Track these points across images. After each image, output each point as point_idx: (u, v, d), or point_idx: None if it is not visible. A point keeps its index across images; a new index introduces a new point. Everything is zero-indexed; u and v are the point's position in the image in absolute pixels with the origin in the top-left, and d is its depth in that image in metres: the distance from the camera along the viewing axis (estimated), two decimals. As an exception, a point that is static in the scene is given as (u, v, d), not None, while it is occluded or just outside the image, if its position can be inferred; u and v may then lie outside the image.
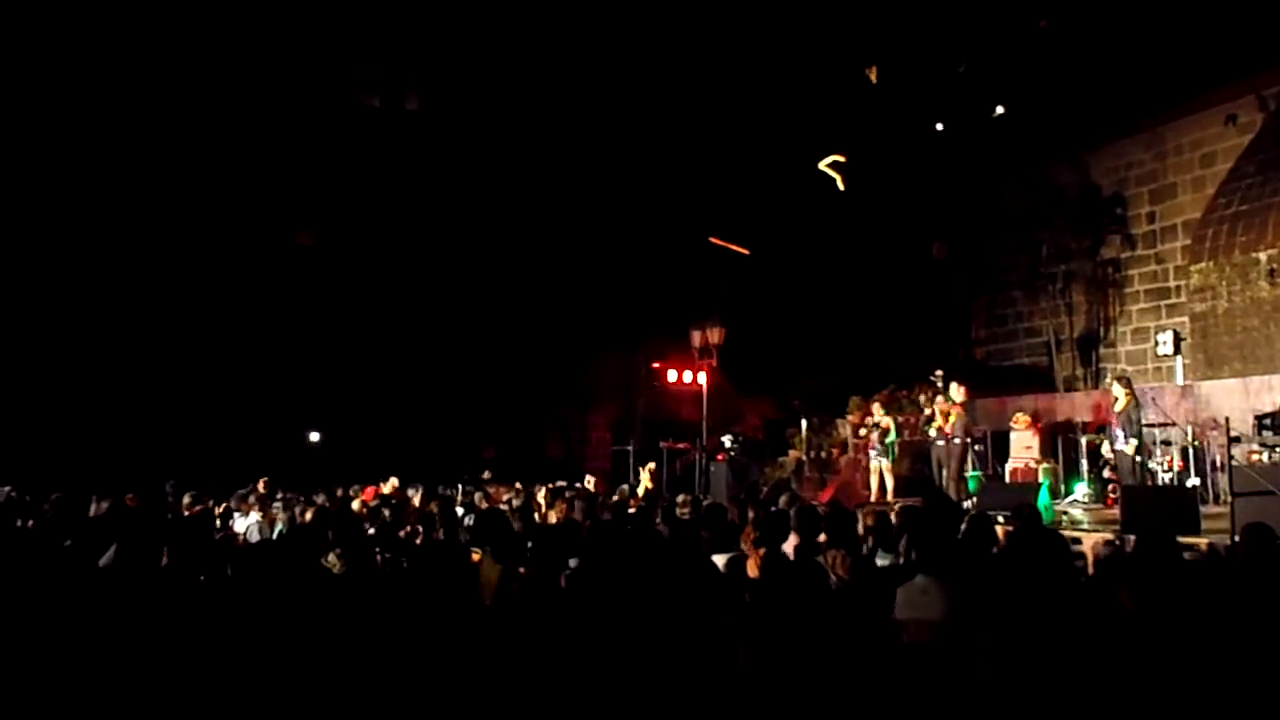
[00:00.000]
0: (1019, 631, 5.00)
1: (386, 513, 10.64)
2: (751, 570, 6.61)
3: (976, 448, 16.26)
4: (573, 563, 6.72)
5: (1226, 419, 11.69)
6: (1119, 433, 14.16)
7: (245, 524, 11.00)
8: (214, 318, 19.78)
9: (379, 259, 21.02)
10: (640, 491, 13.53)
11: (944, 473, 15.36)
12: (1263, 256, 15.79)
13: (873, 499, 15.21)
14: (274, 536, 10.04)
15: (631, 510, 11.09)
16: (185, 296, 19.42)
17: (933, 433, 15.74)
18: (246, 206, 19.46)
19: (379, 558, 7.58)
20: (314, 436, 21.89)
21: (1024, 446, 15.75)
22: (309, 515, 9.70)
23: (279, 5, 15.95)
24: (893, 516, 8.57)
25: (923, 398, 17.78)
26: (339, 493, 13.24)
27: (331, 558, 7.10)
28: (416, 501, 11.68)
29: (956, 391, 15.55)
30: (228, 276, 19.81)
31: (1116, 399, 14.24)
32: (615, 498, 12.71)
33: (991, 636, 5.02)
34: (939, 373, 16.58)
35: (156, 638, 4.79)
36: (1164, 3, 14.55)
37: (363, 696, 4.55)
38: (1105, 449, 15.04)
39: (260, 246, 20.05)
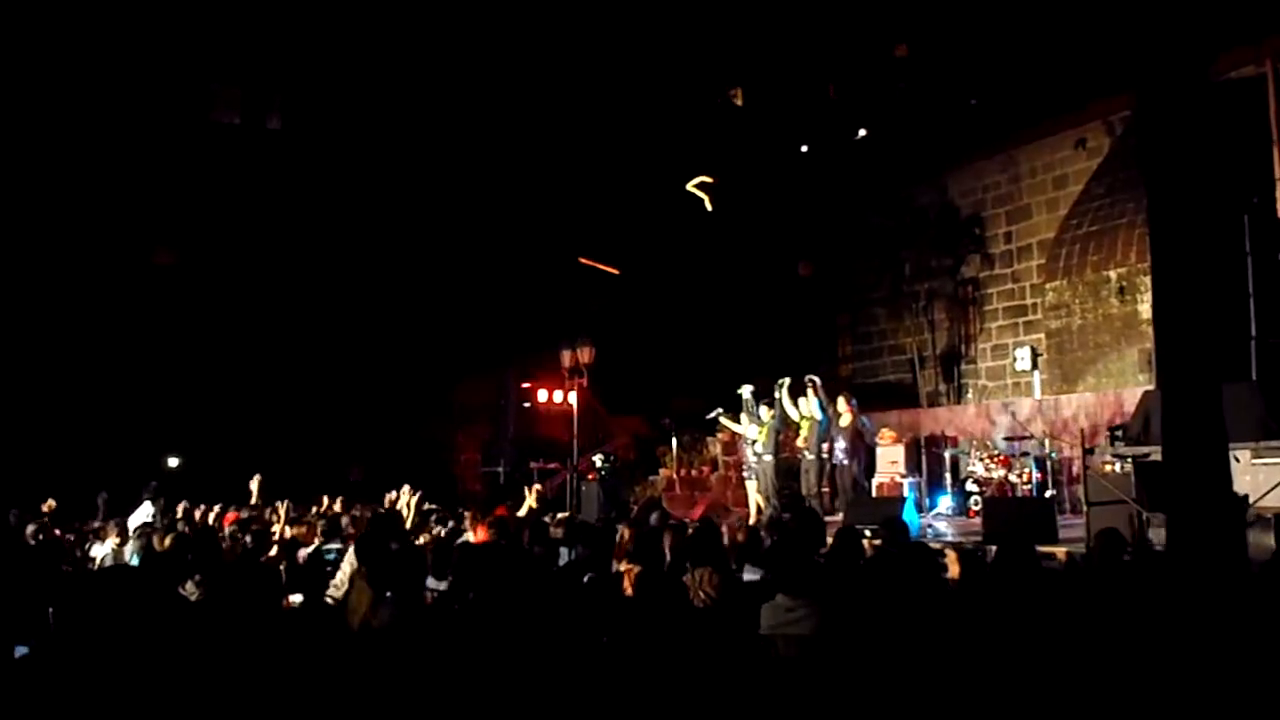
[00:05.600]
0: (887, 642, 5.05)
1: (248, 538, 10.31)
2: (626, 588, 6.57)
3: (844, 461, 16.44)
4: (438, 585, 6.61)
5: (1081, 431, 12.07)
6: (845, 449, 14.75)
7: (102, 551, 10.59)
8: (66, 338, 19.03)
9: (239, 279, 20.49)
10: (523, 512, 13.40)
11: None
12: (1113, 275, 16.38)
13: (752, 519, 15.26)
14: (129, 563, 9.66)
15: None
16: (36, 316, 18.66)
17: (800, 445, 15.89)
18: (102, 225, 18.78)
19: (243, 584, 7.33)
20: (173, 461, 21.20)
21: (889, 461, 16.03)
22: (167, 541, 9.34)
23: (134, 20, 15.45)
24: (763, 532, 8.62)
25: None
26: (197, 517, 12.82)
27: (190, 585, 6.85)
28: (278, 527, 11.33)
29: (807, 404, 15.64)
30: (82, 296, 19.09)
31: (840, 414, 14.78)
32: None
33: (860, 648, 5.06)
34: (811, 378, 15.77)
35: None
36: (1015, 31, 15.00)
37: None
38: (968, 465, 15.47)
39: (116, 266, 19.37)
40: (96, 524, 12.88)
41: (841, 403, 15.17)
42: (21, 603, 5.59)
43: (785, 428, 15.65)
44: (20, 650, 5.28)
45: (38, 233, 18.27)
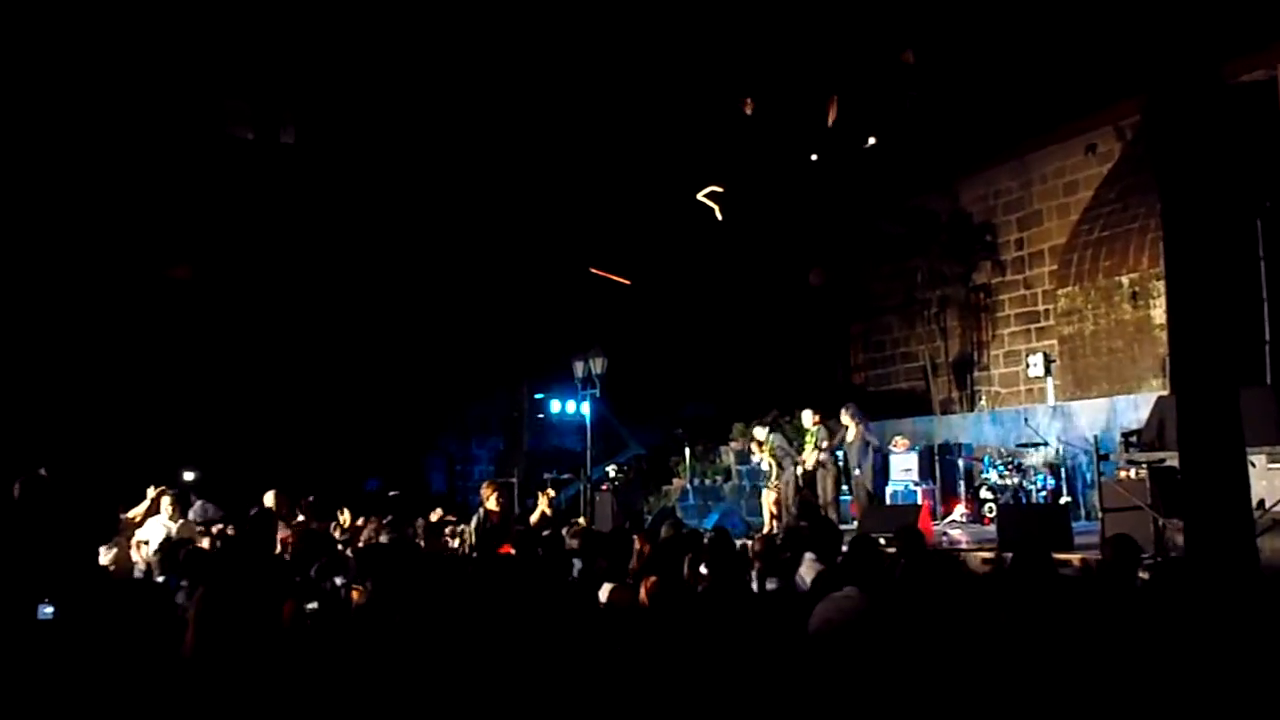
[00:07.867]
0: (917, 647, 5.04)
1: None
2: (641, 598, 6.56)
3: (856, 472, 16.46)
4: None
5: (1095, 437, 12.05)
6: (855, 460, 14.82)
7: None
8: (81, 353, 19.08)
9: (255, 293, 20.54)
10: (534, 518, 13.41)
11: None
12: (1125, 280, 16.34)
13: (766, 528, 15.28)
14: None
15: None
16: (51, 331, 18.72)
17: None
18: (117, 240, 18.84)
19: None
20: (189, 475, 21.22)
21: (902, 469, 16.02)
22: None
23: (148, 36, 15.54)
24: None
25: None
26: (214, 530, 12.82)
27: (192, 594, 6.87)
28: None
29: (807, 418, 15.77)
30: (97, 311, 19.15)
31: (846, 427, 14.83)
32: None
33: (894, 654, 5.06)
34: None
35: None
36: (1024, 37, 15.01)
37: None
38: (983, 472, 15.45)
39: (132, 281, 19.43)
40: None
41: (845, 416, 15.19)
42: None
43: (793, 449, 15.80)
44: (45, 611, 5.34)
45: (53, 247, 18.35)
